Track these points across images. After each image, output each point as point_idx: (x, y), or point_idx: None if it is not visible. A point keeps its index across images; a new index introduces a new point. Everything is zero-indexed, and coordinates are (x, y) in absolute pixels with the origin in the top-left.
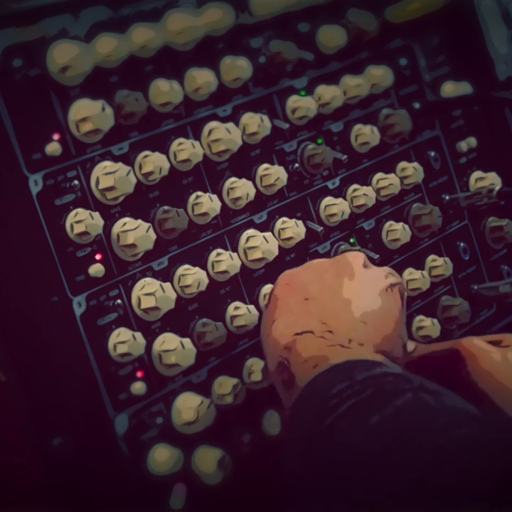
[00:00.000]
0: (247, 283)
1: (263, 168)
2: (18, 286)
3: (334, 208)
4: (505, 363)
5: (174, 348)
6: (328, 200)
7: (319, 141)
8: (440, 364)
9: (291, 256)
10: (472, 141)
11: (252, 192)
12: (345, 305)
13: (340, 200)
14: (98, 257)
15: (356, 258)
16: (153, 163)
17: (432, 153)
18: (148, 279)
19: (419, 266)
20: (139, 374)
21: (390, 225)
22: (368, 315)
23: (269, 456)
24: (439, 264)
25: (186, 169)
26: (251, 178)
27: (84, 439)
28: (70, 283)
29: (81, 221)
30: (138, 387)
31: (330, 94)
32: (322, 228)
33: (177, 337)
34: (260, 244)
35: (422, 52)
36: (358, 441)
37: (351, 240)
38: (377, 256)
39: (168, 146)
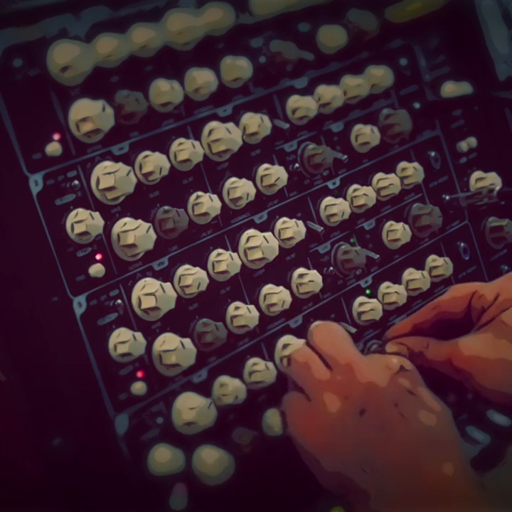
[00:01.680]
0: (248, 283)
1: (263, 168)
2: (18, 286)
3: (334, 208)
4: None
5: (174, 348)
6: (329, 200)
7: (352, 240)
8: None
9: (292, 256)
10: (472, 141)
11: (253, 192)
12: (411, 474)
13: (340, 200)
14: (98, 257)
15: (377, 393)
16: (154, 163)
17: (432, 153)
18: (148, 279)
19: (420, 266)
20: (139, 374)
21: (390, 225)
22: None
23: (270, 456)
24: (440, 264)
25: (186, 169)
26: (251, 178)
27: (84, 439)
28: (70, 283)
29: (81, 221)
30: (138, 387)
31: (330, 94)
32: (322, 228)
33: (177, 337)
34: (260, 244)
35: (422, 52)
36: None
37: (351, 240)
38: (378, 256)
39: (168, 146)
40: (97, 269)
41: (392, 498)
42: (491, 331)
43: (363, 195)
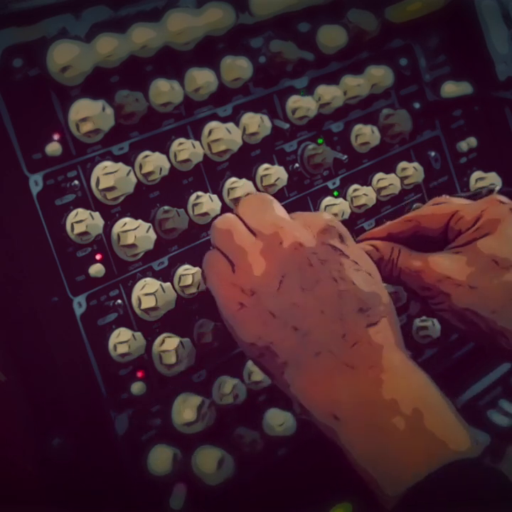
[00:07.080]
0: None
1: (263, 168)
2: (18, 286)
3: (334, 208)
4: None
5: (174, 348)
6: (329, 200)
7: (319, 141)
8: None
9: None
10: (472, 141)
11: (253, 192)
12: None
13: (340, 200)
14: (98, 257)
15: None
16: (154, 163)
17: (432, 153)
18: (148, 279)
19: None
20: (139, 374)
21: None
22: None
23: (270, 456)
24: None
25: (186, 169)
26: (251, 178)
27: (84, 440)
28: (70, 283)
29: (81, 221)
30: (138, 388)
31: (330, 94)
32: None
33: (177, 337)
34: None
35: (422, 52)
36: None
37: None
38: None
39: (168, 146)
40: (97, 269)
41: (309, 363)
42: (464, 255)
43: (363, 195)
